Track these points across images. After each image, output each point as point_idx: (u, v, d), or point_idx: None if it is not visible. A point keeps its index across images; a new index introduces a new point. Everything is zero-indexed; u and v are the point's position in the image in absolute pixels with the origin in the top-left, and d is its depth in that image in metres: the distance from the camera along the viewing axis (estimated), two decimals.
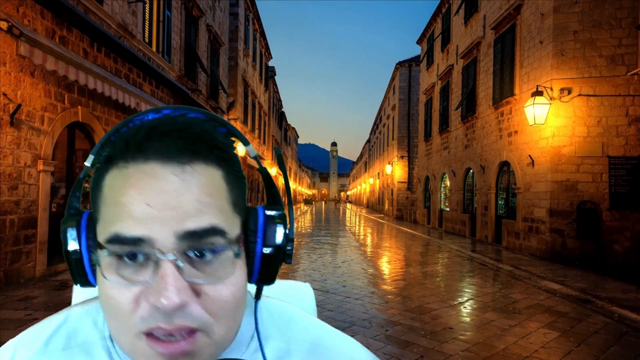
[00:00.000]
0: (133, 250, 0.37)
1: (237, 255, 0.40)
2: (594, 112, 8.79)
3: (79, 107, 7.03)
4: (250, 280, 0.44)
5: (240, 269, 0.41)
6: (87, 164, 0.42)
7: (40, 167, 6.11)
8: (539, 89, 8.95)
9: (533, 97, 8.86)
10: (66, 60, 5.73)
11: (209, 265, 0.38)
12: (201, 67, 13.35)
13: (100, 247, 0.38)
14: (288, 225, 0.44)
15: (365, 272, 7.79)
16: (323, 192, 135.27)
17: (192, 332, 0.37)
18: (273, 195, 0.45)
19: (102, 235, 0.38)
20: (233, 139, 0.44)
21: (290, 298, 0.57)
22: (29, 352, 0.44)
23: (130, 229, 0.36)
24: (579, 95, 8.82)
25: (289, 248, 0.44)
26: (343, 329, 4.42)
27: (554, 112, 8.92)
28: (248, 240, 0.43)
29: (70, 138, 7.30)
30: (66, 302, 3.77)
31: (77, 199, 0.44)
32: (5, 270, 5.50)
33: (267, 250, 0.43)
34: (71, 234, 0.41)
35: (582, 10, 8.83)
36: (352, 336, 0.50)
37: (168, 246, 0.36)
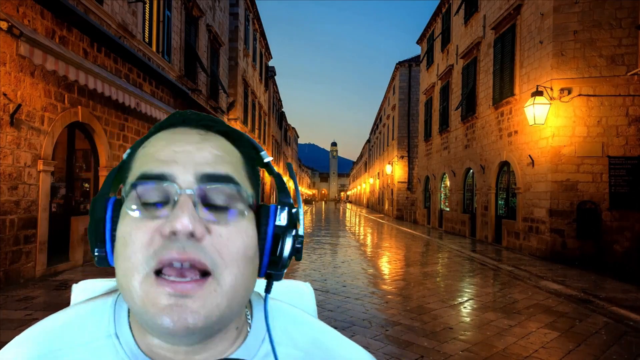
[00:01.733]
0: (157, 186, 0.40)
1: (250, 208, 0.44)
2: (594, 112, 8.79)
3: (79, 107, 7.03)
4: (260, 266, 0.45)
5: (251, 225, 0.44)
6: (125, 156, 0.48)
7: (40, 167, 6.11)
8: (539, 89, 8.95)
9: (533, 97, 8.86)
10: (66, 60, 5.73)
11: (223, 211, 0.41)
12: (201, 67, 13.35)
13: (125, 191, 0.42)
14: (298, 225, 0.47)
15: (365, 272, 7.79)
16: (323, 192, 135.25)
17: (202, 275, 0.38)
18: (284, 193, 0.48)
19: (130, 180, 0.43)
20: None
21: (291, 298, 0.57)
22: (35, 350, 0.44)
23: (155, 168, 0.41)
24: (579, 95, 8.82)
25: (298, 245, 0.47)
26: (343, 329, 4.42)
27: (554, 112, 8.92)
28: (260, 224, 0.45)
29: (70, 138, 7.30)
30: (66, 302, 3.75)
31: (109, 185, 0.47)
32: (5, 270, 5.50)
33: (277, 231, 0.45)
34: (100, 206, 0.44)
35: (582, 10, 8.83)
36: (352, 336, 0.51)
37: (187, 183, 0.40)
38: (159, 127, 0.47)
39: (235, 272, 0.40)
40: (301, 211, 0.48)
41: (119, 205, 0.43)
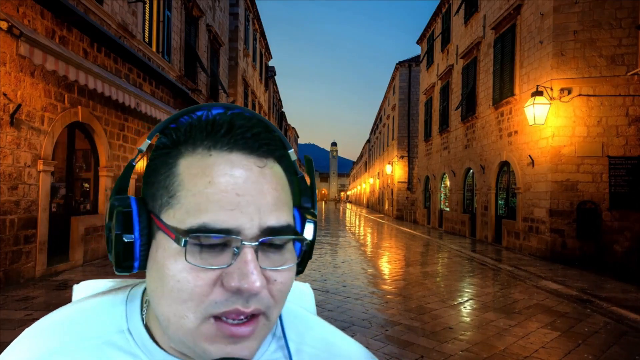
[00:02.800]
0: (220, 241, 0.38)
1: (301, 244, 0.45)
2: (594, 112, 8.79)
3: (79, 107, 7.03)
4: None
5: (295, 257, 0.44)
6: (143, 148, 0.44)
7: (40, 167, 6.11)
8: (539, 89, 8.95)
9: (533, 97, 8.86)
10: (66, 60, 5.73)
11: (277, 255, 0.41)
12: (201, 67, 13.35)
13: (178, 231, 0.38)
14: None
15: (365, 272, 7.79)
16: (323, 192, 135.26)
17: (254, 315, 0.39)
18: (307, 198, 0.49)
19: (182, 222, 0.39)
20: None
21: (290, 298, 0.58)
22: (44, 343, 0.44)
23: (221, 221, 0.38)
24: (579, 95, 8.82)
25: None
26: (343, 329, 4.42)
27: (554, 112, 8.92)
28: None
29: (70, 138, 7.30)
30: (66, 302, 3.74)
31: (127, 182, 0.44)
32: (5, 270, 5.50)
33: (305, 248, 0.46)
34: (125, 218, 0.41)
35: (582, 10, 8.83)
36: (352, 336, 0.52)
37: (252, 236, 0.39)
38: (205, 134, 0.41)
39: (281, 305, 0.42)
40: (315, 211, 0.49)
41: (143, 210, 0.41)
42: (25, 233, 5.87)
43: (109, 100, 7.48)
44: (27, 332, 0.46)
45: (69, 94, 6.76)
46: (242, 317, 0.39)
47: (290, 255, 0.42)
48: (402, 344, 3.94)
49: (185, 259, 0.38)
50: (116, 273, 0.43)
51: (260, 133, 0.42)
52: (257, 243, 0.39)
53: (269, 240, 0.40)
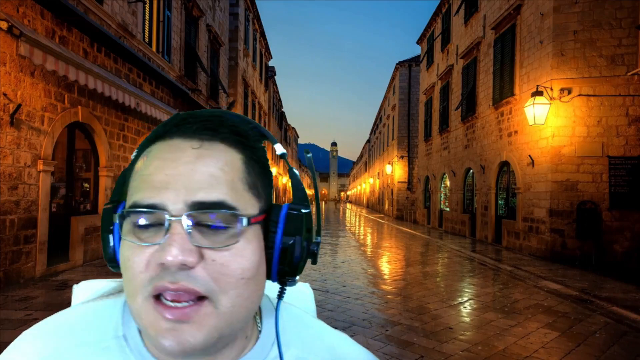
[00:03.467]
0: (148, 215, 0.40)
1: (249, 224, 0.41)
2: (594, 112, 8.79)
3: (79, 107, 7.02)
4: (270, 273, 0.45)
5: (251, 245, 0.42)
6: (132, 157, 0.47)
7: (40, 167, 6.11)
8: (539, 89, 8.95)
9: (533, 97, 8.86)
10: (66, 60, 5.73)
11: (217, 235, 0.40)
12: (201, 67, 13.35)
13: (124, 216, 0.42)
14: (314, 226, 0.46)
15: (365, 272, 7.79)
16: (323, 192, 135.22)
17: (199, 300, 0.39)
18: (299, 193, 0.47)
19: (127, 205, 0.42)
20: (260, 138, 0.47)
21: (290, 299, 0.57)
22: (42, 347, 0.44)
23: (147, 197, 0.40)
24: (579, 95, 8.82)
25: (312, 247, 0.46)
26: (343, 329, 4.41)
27: (554, 112, 8.92)
28: (269, 230, 0.44)
29: (70, 138, 7.29)
30: (66, 302, 3.77)
31: (119, 188, 0.47)
32: (5, 270, 5.50)
33: (286, 240, 0.44)
34: (108, 219, 0.45)
35: (582, 10, 8.83)
36: (352, 336, 0.51)
37: (178, 211, 0.39)
38: (157, 134, 0.45)
39: (232, 295, 0.40)
40: (319, 211, 0.48)
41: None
42: (25, 233, 5.87)
43: (109, 100, 7.48)
44: (25, 335, 0.46)
45: (69, 94, 6.76)
46: (180, 301, 0.38)
47: (235, 239, 0.40)
48: (402, 344, 3.94)
49: (121, 236, 0.41)
50: (111, 270, 0.46)
51: (207, 121, 0.43)
52: (182, 217, 0.39)
53: (197, 214, 0.39)
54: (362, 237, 15.72)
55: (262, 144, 0.47)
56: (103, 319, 0.47)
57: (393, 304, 5.48)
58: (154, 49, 10.27)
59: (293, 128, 55.63)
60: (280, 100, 38.36)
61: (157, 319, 0.38)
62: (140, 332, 0.46)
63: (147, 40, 9.97)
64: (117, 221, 0.43)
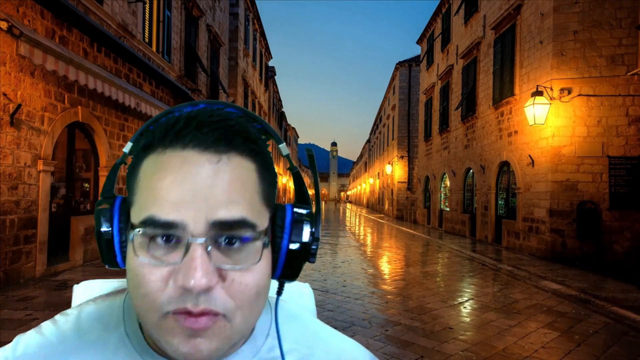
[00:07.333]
0: (166, 233, 0.38)
1: (264, 245, 0.41)
2: (594, 112, 8.79)
3: (79, 107, 7.02)
4: (273, 275, 0.45)
5: (265, 260, 0.42)
6: (125, 150, 0.45)
7: (40, 167, 6.11)
8: (539, 89, 8.95)
9: (533, 97, 8.86)
10: (66, 60, 5.73)
11: (237, 253, 0.40)
12: (201, 67, 13.35)
13: (134, 227, 0.40)
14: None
15: (365, 272, 7.79)
16: (323, 192, 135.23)
17: (214, 315, 0.39)
18: (302, 194, 0.47)
19: (136, 217, 0.40)
20: (265, 136, 0.46)
21: (290, 298, 0.58)
22: (45, 346, 0.44)
23: (165, 213, 0.38)
24: (579, 95, 8.82)
25: (313, 247, 0.45)
26: (343, 329, 4.41)
27: (554, 112, 8.92)
28: (275, 235, 0.44)
29: (70, 138, 7.29)
30: (66, 302, 3.77)
31: (112, 183, 0.46)
32: (5, 270, 5.49)
33: (292, 246, 0.44)
34: (104, 215, 0.43)
35: (582, 10, 8.83)
36: (352, 336, 0.51)
37: (199, 231, 0.38)
38: (165, 132, 0.41)
39: (246, 310, 0.40)
40: (319, 210, 0.47)
41: (126, 207, 0.43)
42: (25, 233, 5.87)
43: (109, 100, 7.48)
44: (26, 335, 0.46)
45: (69, 94, 6.76)
46: (201, 320, 0.38)
47: (254, 256, 0.40)
48: (402, 344, 3.94)
49: (135, 253, 0.39)
50: (106, 267, 0.45)
51: (219, 129, 0.40)
52: (204, 239, 0.38)
53: (219, 235, 0.38)
54: (362, 237, 15.72)
55: (268, 144, 0.46)
56: (105, 317, 0.47)
57: (393, 304, 5.48)
58: (154, 49, 10.27)
59: (293, 128, 55.64)
60: (280, 100, 38.35)
61: (174, 332, 0.38)
62: (142, 329, 0.46)
63: (147, 40, 9.97)
64: (131, 237, 0.40)
